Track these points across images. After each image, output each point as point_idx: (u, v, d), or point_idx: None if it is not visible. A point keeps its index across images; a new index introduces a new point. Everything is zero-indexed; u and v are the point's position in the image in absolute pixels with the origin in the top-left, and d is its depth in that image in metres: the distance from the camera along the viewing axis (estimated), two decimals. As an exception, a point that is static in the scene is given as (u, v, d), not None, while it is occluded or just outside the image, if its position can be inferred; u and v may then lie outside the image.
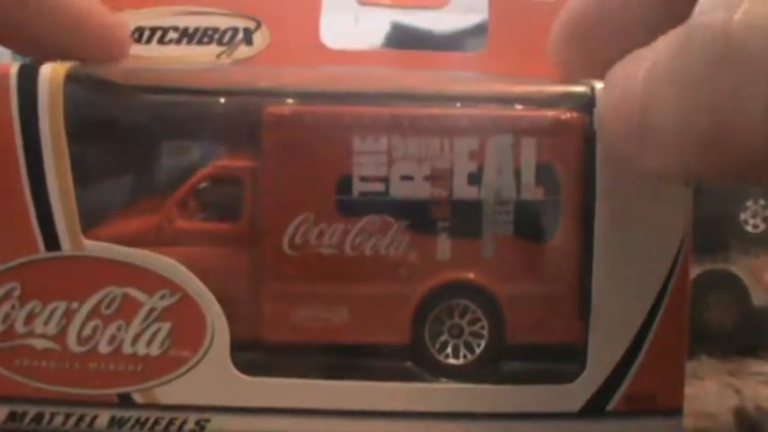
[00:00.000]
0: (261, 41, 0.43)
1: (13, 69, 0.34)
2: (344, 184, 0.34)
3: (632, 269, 0.33)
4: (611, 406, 0.33)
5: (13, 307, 0.33)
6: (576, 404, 0.34)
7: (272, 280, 0.34)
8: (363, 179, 0.34)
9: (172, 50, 0.43)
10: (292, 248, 0.34)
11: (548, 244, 0.34)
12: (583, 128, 0.33)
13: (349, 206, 0.34)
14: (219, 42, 0.43)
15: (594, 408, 0.33)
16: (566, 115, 0.34)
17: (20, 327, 0.34)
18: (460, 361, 0.35)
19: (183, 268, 0.33)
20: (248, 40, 0.43)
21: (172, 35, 0.43)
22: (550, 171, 0.34)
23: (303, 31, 0.43)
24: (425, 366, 0.34)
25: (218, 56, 0.43)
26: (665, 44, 0.25)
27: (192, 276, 0.33)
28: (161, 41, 0.43)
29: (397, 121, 0.34)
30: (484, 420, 0.34)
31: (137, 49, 0.43)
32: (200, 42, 0.43)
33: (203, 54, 0.43)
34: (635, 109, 0.26)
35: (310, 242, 0.34)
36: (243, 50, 0.43)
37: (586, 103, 0.33)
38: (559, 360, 0.34)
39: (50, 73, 0.34)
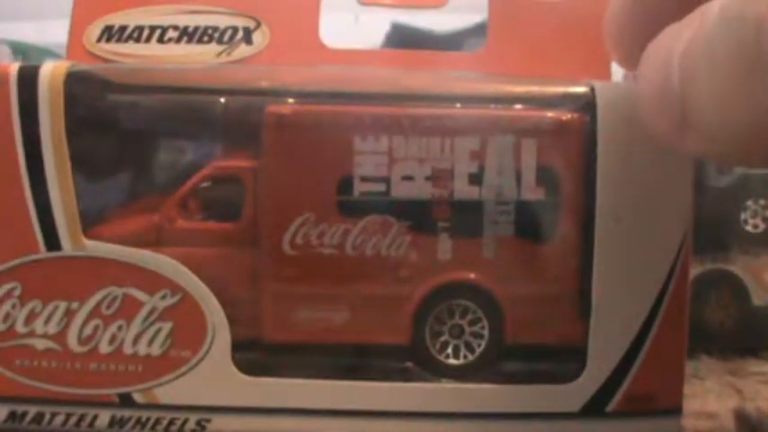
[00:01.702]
0: (261, 41, 0.43)
1: (14, 69, 0.34)
2: (345, 185, 0.34)
3: (632, 269, 0.33)
4: (611, 406, 0.33)
5: (13, 306, 0.33)
6: (576, 404, 0.34)
7: (273, 280, 0.34)
8: (364, 179, 0.34)
9: (171, 49, 0.43)
10: (293, 248, 0.34)
11: (548, 244, 0.34)
12: (583, 128, 0.33)
13: (350, 206, 0.34)
14: (219, 41, 0.43)
15: (595, 408, 0.33)
16: (566, 116, 0.34)
17: (20, 326, 0.34)
18: (461, 361, 0.35)
19: (184, 268, 0.33)
20: (248, 39, 0.43)
21: (171, 34, 0.43)
22: (551, 171, 0.34)
23: (303, 31, 0.43)
24: (426, 366, 0.35)
25: (218, 55, 0.43)
26: (699, 25, 0.24)
27: (193, 276, 0.33)
28: (160, 40, 0.43)
29: (398, 121, 0.34)
30: (484, 420, 0.34)
31: (136, 48, 0.43)
32: (199, 41, 0.43)
33: (203, 53, 0.43)
34: (674, 94, 0.25)
35: (311, 242, 0.34)
36: (243, 50, 0.43)
37: (587, 104, 0.33)
38: (560, 360, 0.34)
39: (51, 73, 0.34)
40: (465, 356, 0.35)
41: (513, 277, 0.34)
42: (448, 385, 0.34)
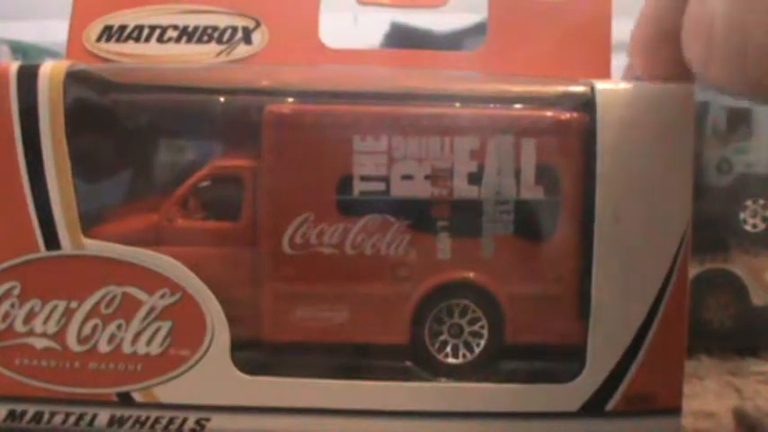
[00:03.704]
0: (260, 40, 0.43)
1: (13, 68, 0.34)
2: (345, 184, 0.34)
3: (632, 269, 0.33)
4: (610, 405, 0.33)
5: (12, 305, 0.33)
6: (575, 404, 0.34)
7: (272, 279, 0.34)
8: (364, 179, 0.34)
9: (171, 49, 0.43)
10: (292, 248, 0.34)
11: (547, 243, 0.34)
12: (583, 128, 0.33)
13: (349, 205, 0.34)
14: (219, 41, 0.43)
15: (594, 407, 0.33)
16: (566, 115, 0.34)
17: (19, 325, 0.34)
18: (460, 360, 0.35)
19: (184, 267, 0.33)
20: (247, 38, 0.43)
21: (171, 34, 0.43)
22: (550, 171, 0.34)
23: (302, 31, 0.43)
24: (425, 366, 0.34)
25: (218, 54, 0.43)
26: None
27: (192, 275, 0.33)
28: (160, 40, 0.43)
29: (398, 120, 0.34)
30: (483, 419, 0.34)
31: (136, 48, 0.43)
32: (199, 41, 0.43)
33: (203, 53, 0.43)
34: (704, 22, 0.27)
35: (310, 242, 0.34)
36: (242, 49, 0.43)
37: (587, 103, 0.33)
38: (559, 359, 0.34)
39: (50, 72, 0.34)
40: (464, 356, 0.35)
41: (513, 276, 0.34)
42: (447, 384, 0.34)
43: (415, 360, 0.35)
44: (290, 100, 0.34)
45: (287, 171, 0.34)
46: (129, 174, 0.37)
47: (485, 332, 0.35)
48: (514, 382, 0.34)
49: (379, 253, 0.34)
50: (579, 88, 0.34)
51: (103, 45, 0.43)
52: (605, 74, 0.39)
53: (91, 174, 0.35)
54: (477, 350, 0.35)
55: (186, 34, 0.43)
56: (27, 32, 0.64)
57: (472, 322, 0.35)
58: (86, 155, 0.34)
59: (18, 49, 0.64)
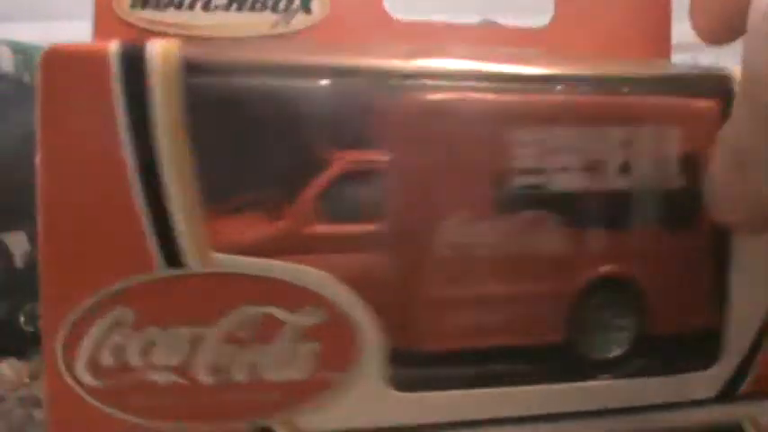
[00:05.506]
0: (320, 10, 0.39)
1: (113, 48, 0.27)
2: (500, 178, 0.31)
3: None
4: (743, 389, 0.34)
5: (125, 337, 0.28)
6: (712, 390, 0.34)
7: (426, 284, 0.31)
8: (520, 172, 0.31)
9: (219, 18, 0.37)
10: (445, 249, 0.31)
11: (691, 233, 0.34)
12: (725, 116, 0.33)
13: (505, 201, 0.31)
14: (274, 9, 0.38)
15: (729, 391, 0.34)
16: (708, 103, 0.33)
17: (135, 359, 0.28)
18: (611, 356, 0.33)
19: (329, 277, 0.29)
20: (306, 7, 0.38)
21: (218, 1, 0.37)
22: (693, 159, 0.33)
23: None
24: (579, 364, 0.33)
25: (274, 26, 0.38)
26: None
27: (339, 286, 0.29)
28: (206, 8, 0.37)
29: (554, 109, 0.31)
30: (631, 414, 0.33)
31: (178, 16, 0.37)
32: (251, 9, 0.38)
33: (256, 23, 0.38)
34: None
35: (464, 241, 0.31)
36: (301, 19, 0.38)
37: (727, 91, 0.33)
38: (697, 348, 0.34)
39: (162, 52, 0.28)
40: (614, 351, 0.33)
41: (659, 268, 0.33)
42: (600, 382, 0.33)
43: (569, 359, 0.33)
44: (431, 85, 0.31)
45: (434, 166, 0.31)
46: (250, 172, 0.32)
47: (633, 326, 0.34)
48: (658, 374, 0.33)
49: (534, 250, 0.32)
50: (717, 74, 0.33)
51: (138, 12, 0.36)
52: (665, 50, 0.39)
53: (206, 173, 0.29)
54: (626, 344, 0.34)
55: (236, 1, 0.38)
56: (28, 33, 0.60)
57: (621, 316, 0.34)
58: (206, 152, 0.29)
59: (19, 49, 0.60)
